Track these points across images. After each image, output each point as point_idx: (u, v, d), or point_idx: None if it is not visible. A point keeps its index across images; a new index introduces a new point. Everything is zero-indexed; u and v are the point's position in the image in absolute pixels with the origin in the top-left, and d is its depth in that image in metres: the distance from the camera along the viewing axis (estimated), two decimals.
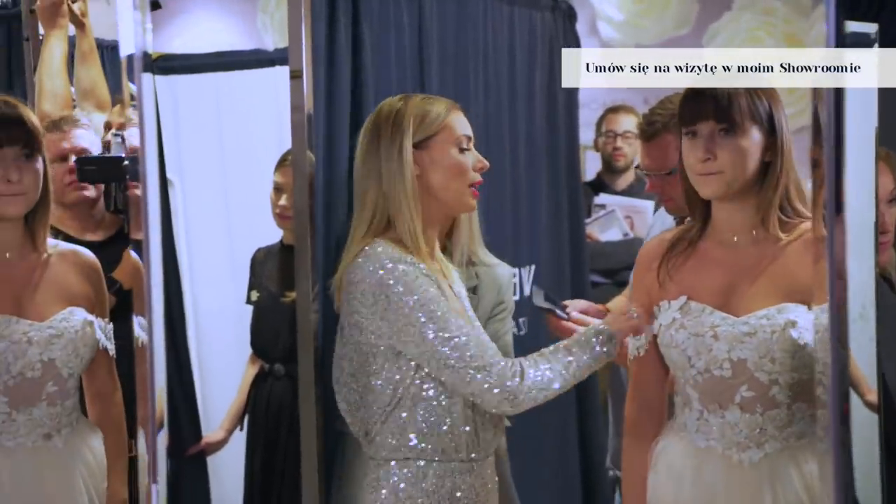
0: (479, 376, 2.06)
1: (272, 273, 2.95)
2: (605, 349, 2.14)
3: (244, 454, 2.95)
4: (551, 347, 2.15)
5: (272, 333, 2.89)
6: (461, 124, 2.23)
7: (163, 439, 1.60)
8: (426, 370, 2.11)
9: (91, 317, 2.27)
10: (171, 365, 2.72)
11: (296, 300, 2.24)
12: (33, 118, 2.21)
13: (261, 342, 2.93)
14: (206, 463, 2.89)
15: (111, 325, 2.33)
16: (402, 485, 2.14)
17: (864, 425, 1.87)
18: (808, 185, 1.99)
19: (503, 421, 2.25)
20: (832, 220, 1.58)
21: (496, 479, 2.27)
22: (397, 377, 2.13)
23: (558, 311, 2.34)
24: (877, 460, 1.83)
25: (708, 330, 2.01)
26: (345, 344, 2.19)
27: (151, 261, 1.53)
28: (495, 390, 2.06)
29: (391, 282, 2.08)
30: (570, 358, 2.11)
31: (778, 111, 2.03)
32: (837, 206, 1.59)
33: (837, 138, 1.60)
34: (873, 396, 1.86)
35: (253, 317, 2.98)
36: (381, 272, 2.08)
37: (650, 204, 4.20)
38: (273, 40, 4.25)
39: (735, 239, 2.07)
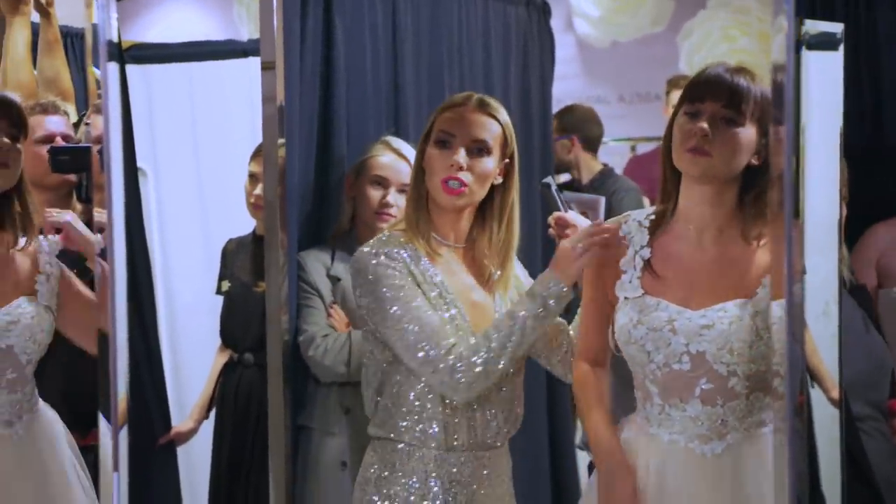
0: (427, 366, 2.12)
1: (244, 264, 2.94)
2: (553, 303, 2.14)
3: (212, 443, 2.94)
4: (500, 320, 2.16)
5: (242, 323, 2.89)
6: (444, 120, 2.23)
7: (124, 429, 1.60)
8: (398, 364, 2.18)
9: (45, 302, 2.29)
10: (141, 356, 2.71)
11: (266, 294, 2.25)
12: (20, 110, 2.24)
13: (231, 332, 2.93)
14: (175, 453, 2.89)
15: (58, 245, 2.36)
16: (376, 464, 2.22)
17: (828, 418, 1.89)
18: None
19: (502, 412, 2.25)
20: (790, 218, 1.59)
21: (499, 472, 2.27)
22: (384, 364, 2.21)
23: (560, 203, 2.41)
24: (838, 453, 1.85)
25: (665, 324, 2.02)
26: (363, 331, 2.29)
27: (115, 251, 1.53)
28: (439, 380, 2.12)
29: (362, 269, 2.18)
30: (512, 323, 2.12)
31: (771, 116, 2.03)
32: (797, 204, 1.61)
33: (797, 136, 1.62)
34: (836, 393, 1.88)
35: (224, 307, 2.97)
36: (359, 260, 2.20)
37: (602, 199, 4.23)
38: (248, 31, 4.22)
39: (699, 235, 2.07)
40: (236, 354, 2.90)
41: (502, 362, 2.12)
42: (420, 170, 2.26)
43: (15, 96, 2.25)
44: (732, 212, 2.05)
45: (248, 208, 2.95)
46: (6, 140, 2.18)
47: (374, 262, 2.18)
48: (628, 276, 2.10)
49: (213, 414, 3.01)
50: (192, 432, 2.94)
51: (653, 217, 2.13)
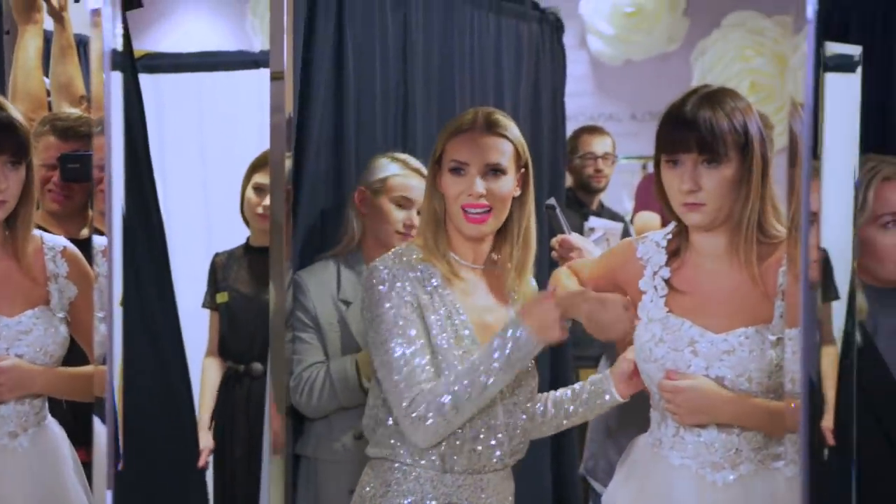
0: (394, 403, 2.10)
1: (239, 275, 2.90)
2: (518, 350, 2.06)
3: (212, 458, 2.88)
4: (470, 365, 2.09)
5: (247, 334, 2.85)
6: (455, 147, 2.18)
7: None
8: None
9: (61, 314, 2.26)
10: (174, 370, 2.66)
11: (270, 307, 2.22)
12: (24, 123, 2.22)
13: (234, 344, 2.89)
14: (205, 475, 2.82)
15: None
16: (371, 483, 2.18)
17: None
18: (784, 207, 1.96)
19: (509, 439, 2.19)
20: (806, 242, 1.55)
21: (500, 496, 2.21)
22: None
23: (565, 225, 2.36)
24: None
25: (687, 346, 1.99)
26: None
27: (113, 263, 1.50)
28: (403, 424, 2.09)
29: (368, 286, 2.15)
30: (484, 377, 2.06)
31: (752, 125, 1.98)
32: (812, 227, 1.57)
33: (816, 160, 1.58)
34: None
35: (224, 319, 2.93)
36: (369, 276, 2.16)
37: (621, 225, 4.26)
38: (260, 42, 4.21)
39: (712, 260, 2.04)
40: (241, 366, 2.85)
41: (459, 414, 2.07)
42: (435, 191, 2.21)
43: (20, 119, 2.22)
44: (732, 236, 2.01)
45: (252, 219, 2.92)
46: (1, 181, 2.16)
47: (380, 280, 2.14)
48: (649, 297, 2.07)
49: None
50: (211, 450, 2.86)
51: (670, 237, 2.11)
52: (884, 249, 2.21)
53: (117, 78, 1.57)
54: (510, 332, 2.06)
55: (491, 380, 2.06)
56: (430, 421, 2.06)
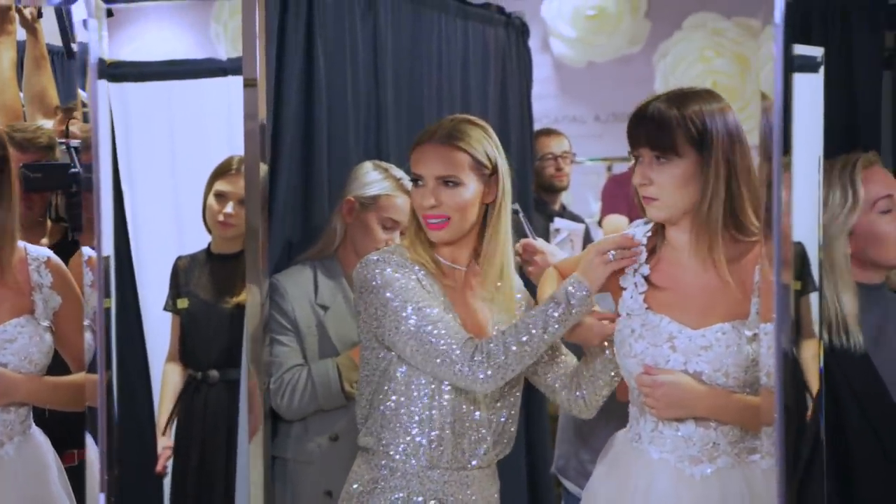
0: (445, 362, 2.10)
1: (200, 281, 2.89)
2: (575, 304, 2.10)
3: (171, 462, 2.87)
4: (523, 318, 2.14)
5: (205, 341, 2.85)
6: (414, 159, 2.24)
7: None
8: (391, 373, 2.18)
9: (45, 323, 2.26)
10: (135, 375, 2.67)
11: (245, 312, 2.23)
12: (3, 134, 2.24)
13: (192, 350, 2.87)
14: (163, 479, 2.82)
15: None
16: (359, 481, 2.22)
17: None
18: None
19: (493, 436, 2.24)
20: (779, 236, 1.60)
21: (485, 493, 2.26)
22: (378, 373, 2.21)
23: (529, 229, 2.39)
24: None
25: (665, 341, 2.03)
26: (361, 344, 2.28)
27: (107, 271, 1.51)
28: (461, 375, 2.10)
29: (368, 276, 2.18)
30: (535, 321, 2.10)
31: (716, 124, 1.99)
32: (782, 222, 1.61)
33: (786, 156, 1.62)
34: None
35: (182, 324, 2.91)
36: (365, 267, 2.19)
37: (583, 226, 4.37)
38: (226, 50, 4.20)
39: (687, 257, 2.08)
40: (199, 373, 2.84)
41: (523, 357, 2.11)
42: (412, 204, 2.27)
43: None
44: (700, 235, 2.05)
45: (213, 226, 2.91)
46: None
47: (380, 267, 2.17)
48: (629, 293, 2.11)
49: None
50: (168, 456, 2.87)
51: (649, 234, 2.15)
52: (886, 234, 2.22)
53: (104, 87, 1.58)
54: (563, 288, 2.10)
55: (547, 332, 2.09)
56: (491, 365, 2.08)
